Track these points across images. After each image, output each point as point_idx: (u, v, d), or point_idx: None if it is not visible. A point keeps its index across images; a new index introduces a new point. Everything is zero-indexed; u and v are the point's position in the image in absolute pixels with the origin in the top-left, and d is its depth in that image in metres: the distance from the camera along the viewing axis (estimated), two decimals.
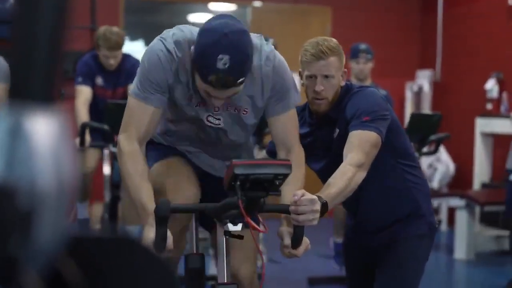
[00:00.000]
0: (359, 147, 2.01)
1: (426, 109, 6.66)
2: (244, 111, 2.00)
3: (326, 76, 2.14)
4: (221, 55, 1.70)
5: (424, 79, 6.81)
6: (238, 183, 1.58)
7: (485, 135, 5.77)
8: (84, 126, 3.85)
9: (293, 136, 2.04)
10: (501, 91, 5.75)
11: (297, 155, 2.03)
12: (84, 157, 4.17)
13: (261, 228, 1.63)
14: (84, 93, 4.12)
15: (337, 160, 2.05)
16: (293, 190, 1.83)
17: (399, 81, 6.86)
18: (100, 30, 4.20)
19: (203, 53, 1.74)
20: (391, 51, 6.73)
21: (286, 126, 2.03)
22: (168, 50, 1.87)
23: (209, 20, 1.81)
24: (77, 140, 3.91)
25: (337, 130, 2.18)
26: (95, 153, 4.22)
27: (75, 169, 0.61)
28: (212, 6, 6.90)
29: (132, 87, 1.94)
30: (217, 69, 1.72)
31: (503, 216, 4.99)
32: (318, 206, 1.78)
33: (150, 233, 1.77)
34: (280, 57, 1.98)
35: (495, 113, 5.68)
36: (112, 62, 4.11)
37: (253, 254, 2.14)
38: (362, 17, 6.84)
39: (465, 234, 5.11)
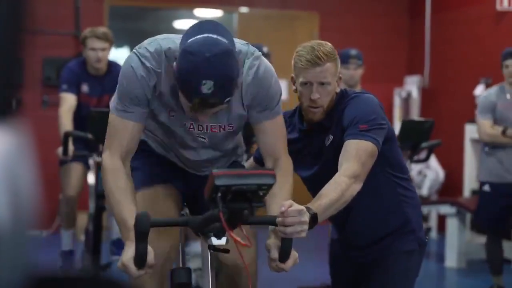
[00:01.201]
0: (355, 157, 1.93)
1: (415, 116, 6.62)
2: (230, 126, 1.95)
3: (322, 83, 2.06)
4: (204, 80, 1.64)
5: (412, 85, 6.76)
6: (219, 194, 1.49)
7: (475, 141, 5.72)
8: (67, 135, 3.75)
9: (280, 144, 1.96)
10: None
11: (285, 165, 1.94)
12: (68, 176, 4.05)
13: (245, 242, 1.54)
14: (68, 101, 4.01)
15: (328, 168, 1.97)
16: (281, 201, 1.75)
17: (387, 87, 6.81)
18: (86, 28, 4.16)
19: (185, 77, 1.67)
20: (379, 56, 6.69)
21: (273, 134, 1.95)
22: (143, 64, 1.81)
23: (190, 34, 1.71)
24: (60, 150, 3.81)
25: (331, 137, 2.09)
26: (80, 170, 4.09)
27: (35, 193, 0.50)
28: (198, 12, 6.82)
29: (111, 103, 1.90)
30: (201, 94, 1.65)
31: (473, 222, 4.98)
32: (306, 218, 1.70)
33: (130, 250, 1.68)
34: (266, 65, 1.88)
35: None
36: (100, 55, 3.99)
37: (254, 245, 2.04)
38: (349, 22, 6.80)
39: (456, 242, 5.05)
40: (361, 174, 1.93)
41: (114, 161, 1.84)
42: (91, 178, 4.05)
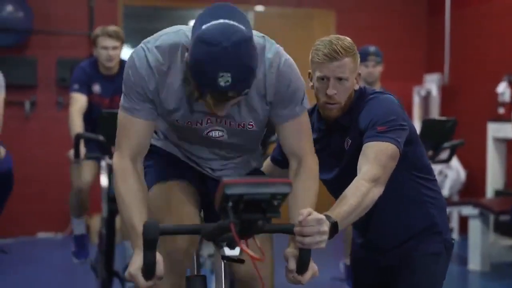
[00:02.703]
0: (375, 160, 1.82)
1: (435, 114, 6.47)
2: (250, 125, 1.81)
3: (340, 79, 1.95)
4: (222, 72, 1.50)
5: (432, 83, 6.61)
6: (230, 204, 1.38)
7: (498, 140, 5.57)
8: (78, 137, 3.67)
9: (305, 144, 1.82)
10: None
11: (310, 165, 1.81)
12: (79, 171, 3.97)
13: (259, 255, 1.42)
14: (79, 101, 3.92)
15: (349, 173, 1.86)
16: (304, 205, 1.65)
17: (406, 85, 6.66)
18: (97, 28, 4.08)
19: (200, 69, 1.53)
20: (397, 54, 6.54)
21: (297, 133, 1.81)
22: (147, 61, 1.69)
23: (204, 20, 1.56)
24: (72, 152, 3.73)
25: (349, 141, 1.99)
26: (91, 166, 4.01)
27: None
28: None
29: (121, 101, 1.77)
30: (218, 87, 1.52)
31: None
32: (326, 227, 1.59)
33: (138, 259, 1.58)
34: (286, 57, 1.76)
35: (507, 118, 5.46)
36: (112, 54, 3.90)
37: (269, 255, 1.92)
38: (366, 20, 6.66)
39: (479, 244, 4.91)
40: (382, 177, 1.82)
41: (124, 162, 1.73)
42: (104, 181, 3.97)
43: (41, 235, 6.08)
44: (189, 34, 1.66)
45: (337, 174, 2.03)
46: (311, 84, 2.03)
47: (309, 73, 2.03)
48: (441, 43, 6.62)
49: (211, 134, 1.82)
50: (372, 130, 1.88)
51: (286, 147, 1.84)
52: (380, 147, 1.85)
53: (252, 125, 1.81)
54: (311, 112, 2.06)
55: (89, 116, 3.95)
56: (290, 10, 6.63)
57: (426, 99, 6.69)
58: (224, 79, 1.51)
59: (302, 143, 1.82)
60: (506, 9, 5.84)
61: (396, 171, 1.90)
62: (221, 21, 1.53)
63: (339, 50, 1.93)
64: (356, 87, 2.01)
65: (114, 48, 3.91)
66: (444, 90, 6.59)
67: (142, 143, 1.76)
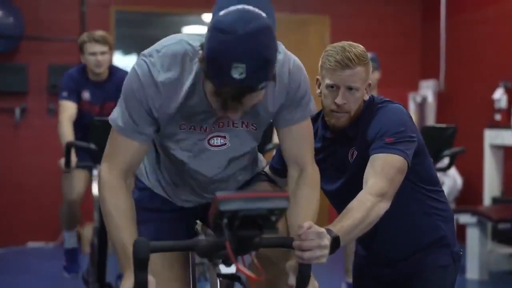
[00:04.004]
0: (382, 173, 1.74)
1: (431, 121, 6.42)
2: (253, 126, 1.70)
3: (350, 88, 1.87)
4: (235, 63, 1.38)
5: (427, 89, 6.56)
6: (225, 221, 1.30)
7: (495, 147, 5.52)
8: (69, 146, 3.58)
9: (307, 152, 1.73)
10: (510, 100, 5.49)
11: (312, 175, 1.73)
12: (71, 181, 3.87)
13: (256, 274, 1.34)
14: (69, 109, 3.83)
15: (353, 185, 1.79)
16: (305, 217, 1.58)
17: (401, 91, 6.61)
18: (83, 34, 4.00)
19: (213, 59, 1.41)
20: (392, 60, 6.49)
21: (300, 140, 1.72)
22: (154, 73, 1.57)
23: (222, 6, 1.44)
24: (62, 161, 3.64)
25: (355, 152, 1.91)
26: (83, 175, 3.92)
27: None
28: (206, 17, 6.67)
29: (113, 115, 1.65)
30: (231, 79, 1.39)
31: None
32: (327, 241, 1.51)
33: (129, 281, 1.49)
34: (294, 58, 1.67)
35: (504, 124, 5.41)
36: (100, 59, 3.81)
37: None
38: (361, 26, 6.61)
39: (477, 253, 4.86)
40: (389, 192, 1.74)
41: (113, 178, 1.63)
42: (96, 190, 3.88)
43: (32, 244, 5.97)
44: (191, 41, 1.58)
45: (341, 186, 1.96)
46: (318, 90, 1.95)
47: (317, 79, 1.95)
48: (437, 49, 6.57)
49: (212, 141, 1.70)
50: (380, 141, 1.81)
51: (287, 153, 1.75)
52: (388, 159, 1.78)
53: (255, 126, 1.71)
54: (315, 119, 1.97)
55: (80, 124, 3.87)
56: (285, 15, 6.57)
57: (421, 106, 6.63)
58: (239, 71, 1.38)
59: (304, 150, 1.73)
60: (501, 15, 5.80)
61: (404, 183, 1.83)
62: (239, 7, 1.41)
63: (353, 58, 1.85)
64: (366, 97, 1.94)
65: (102, 53, 3.83)
66: (440, 97, 6.54)
67: (135, 162, 1.67)
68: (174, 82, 1.59)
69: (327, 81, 1.88)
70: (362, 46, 1.92)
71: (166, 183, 1.86)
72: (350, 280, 3.88)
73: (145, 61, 1.59)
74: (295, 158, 1.73)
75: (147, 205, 1.87)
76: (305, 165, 1.73)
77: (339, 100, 1.87)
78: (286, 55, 1.65)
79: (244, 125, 1.70)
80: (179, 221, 1.88)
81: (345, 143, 1.94)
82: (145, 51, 1.62)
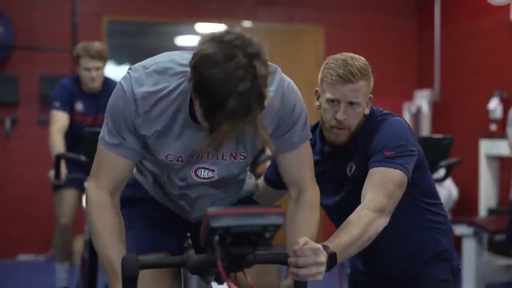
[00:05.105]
0: (381, 187, 1.69)
1: (426, 131, 6.39)
2: (241, 156, 1.65)
3: (352, 103, 1.81)
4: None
5: (422, 99, 6.53)
6: (217, 237, 1.24)
7: (491, 158, 5.49)
8: (59, 158, 3.51)
9: (307, 174, 1.68)
10: (505, 111, 5.46)
11: (312, 196, 1.68)
12: (61, 203, 3.80)
13: None
14: (60, 120, 3.77)
15: (351, 200, 1.74)
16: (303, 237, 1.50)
17: (396, 101, 6.57)
18: (79, 44, 3.92)
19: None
20: (387, 70, 6.46)
21: (300, 163, 1.67)
22: (135, 90, 1.54)
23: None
24: (52, 173, 3.57)
25: (354, 166, 1.85)
26: (73, 196, 3.84)
27: None
28: (199, 27, 6.63)
29: (101, 132, 1.61)
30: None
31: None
32: (323, 258, 1.45)
33: None
34: (289, 80, 1.62)
35: (500, 134, 5.38)
36: (94, 75, 3.75)
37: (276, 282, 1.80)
38: (355, 35, 6.58)
39: (473, 264, 4.81)
40: (388, 207, 1.69)
41: (100, 195, 1.59)
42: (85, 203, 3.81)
43: (22, 257, 5.88)
44: (182, 60, 1.55)
45: (339, 200, 1.91)
46: (317, 103, 1.89)
47: (316, 91, 1.89)
48: (431, 59, 6.55)
49: (199, 173, 1.66)
50: (379, 155, 1.76)
51: (286, 177, 1.70)
52: (387, 173, 1.72)
53: (244, 155, 1.66)
54: (313, 130, 1.90)
55: (72, 135, 3.80)
56: (279, 25, 6.55)
57: (416, 116, 6.60)
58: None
59: (303, 172, 1.68)
60: (496, 25, 5.79)
61: (404, 197, 1.78)
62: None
63: (355, 72, 1.78)
64: (366, 111, 1.88)
65: (97, 69, 3.77)
66: (435, 107, 6.51)
67: (122, 179, 1.63)
68: (157, 99, 1.55)
69: (328, 95, 1.82)
70: (363, 59, 1.86)
71: (153, 190, 1.83)
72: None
73: (129, 76, 1.57)
74: (294, 181, 1.69)
75: (137, 196, 1.82)
76: (305, 185, 1.68)
77: (340, 116, 1.81)
78: (280, 82, 1.60)
79: (232, 158, 1.65)
80: (169, 222, 1.83)
81: (344, 158, 1.89)
82: (133, 66, 1.61)
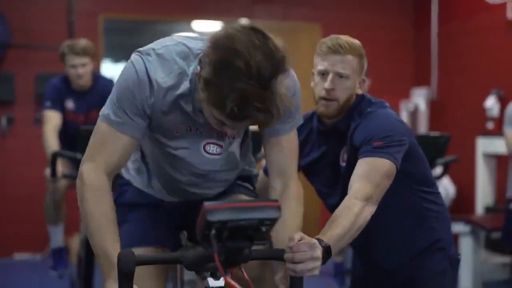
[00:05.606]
0: (368, 177, 1.70)
1: (423, 129, 6.39)
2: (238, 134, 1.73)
3: (340, 76, 1.85)
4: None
5: (419, 98, 6.54)
6: (213, 232, 1.24)
7: (488, 156, 5.49)
8: (55, 156, 3.50)
9: (292, 166, 1.70)
10: (502, 109, 5.46)
11: (296, 189, 1.68)
12: (55, 186, 3.79)
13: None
14: (53, 119, 3.77)
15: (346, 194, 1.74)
16: (291, 230, 1.52)
17: (393, 100, 6.55)
18: (64, 42, 3.92)
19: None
20: (384, 68, 6.46)
21: (288, 151, 1.68)
22: (150, 69, 1.54)
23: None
24: (48, 171, 3.56)
25: (345, 157, 1.88)
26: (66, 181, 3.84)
27: None
28: (196, 25, 6.62)
29: (103, 111, 1.59)
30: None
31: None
32: (319, 252, 1.45)
33: None
34: (291, 73, 1.63)
35: (496, 133, 5.39)
36: (80, 72, 3.74)
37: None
38: (352, 34, 6.44)
39: (470, 262, 4.81)
40: (374, 196, 1.70)
41: (98, 177, 1.54)
42: None
43: (18, 256, 5.86)
44: (189, 44, 1.56)
45: (340, 200, 1.90)
46: (313, 82, 1.93)
47: (313, 72, 1.94)
48: (428, 57, 6.55)
49: (208, 148, 1.68)
50: (368, 145, 1.77)
51: (272, 164, 1.70)
52: (375, 163, 1.74)
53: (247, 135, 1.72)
54: (310, 116, 1.97)
55: (65, 134, 3.80)
56: (276, 23, 6.54)
57: (414, 114, 6.60)
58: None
59: (289, 163, 1.69)
60: (493, 23, 5.79)
61: (397, 186, 1.80)
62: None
63: (343, 45, 1.86)
64: (359, 91, 1.91)
65: (83, 65, 3.77)
66: (432, 105, 6.51)
67: (122, 160, 1.60)
68: (170, 85, 1.56)
69: (318, 67, 1.88)
70: (359, 42, 1.92)
71: (149, 176, 1.81)
72: (337, 259, 3.88)
73: (142, 58, 1.56)
74: (280, 170, 1.68)
75: (128, 201, 1.81)
76: (290, 178, 1.68)
77: (327, 85, 1.85)
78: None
79: (233, 138, 1.70)
80: (161, 217, 1.82)
81: (337, 139, 1.91)
82: (141, 49, 1.59)
